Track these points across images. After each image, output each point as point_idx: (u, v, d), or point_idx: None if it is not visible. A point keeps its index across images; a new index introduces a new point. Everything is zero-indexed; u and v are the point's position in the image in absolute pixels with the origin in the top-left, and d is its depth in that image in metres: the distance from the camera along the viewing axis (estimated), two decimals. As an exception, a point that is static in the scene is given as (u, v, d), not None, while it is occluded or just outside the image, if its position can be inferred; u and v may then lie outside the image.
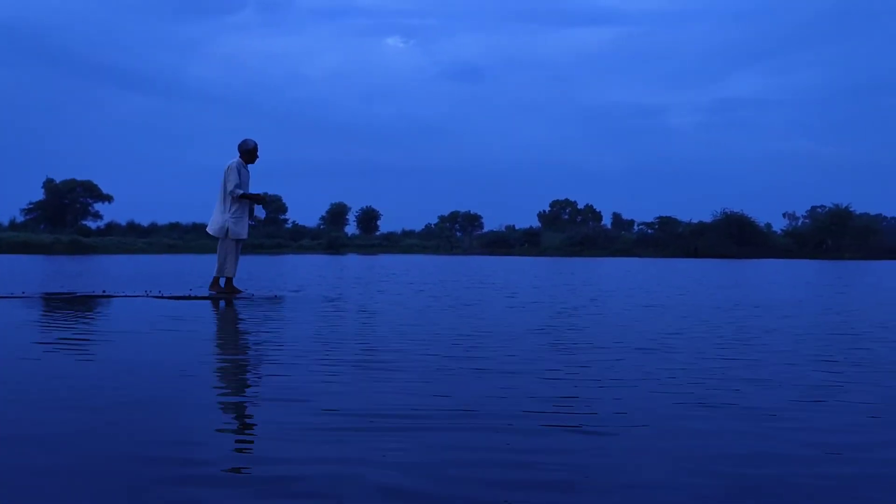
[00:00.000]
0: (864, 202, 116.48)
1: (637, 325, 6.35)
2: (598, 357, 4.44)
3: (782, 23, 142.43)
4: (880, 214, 74.86)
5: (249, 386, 3.64)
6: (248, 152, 9.05)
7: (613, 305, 8.53)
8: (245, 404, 3.17)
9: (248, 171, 9.11)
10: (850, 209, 56.79)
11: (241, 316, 7.01)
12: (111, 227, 63.77)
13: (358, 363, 4.12)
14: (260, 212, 9.23)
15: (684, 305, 8.57)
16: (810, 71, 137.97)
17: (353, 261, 31.52)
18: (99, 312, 7.20)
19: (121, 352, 4.56)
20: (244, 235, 9.05)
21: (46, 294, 9.04)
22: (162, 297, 8.65)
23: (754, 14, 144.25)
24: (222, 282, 9.11)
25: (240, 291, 9.02)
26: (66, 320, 6.35)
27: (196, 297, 8.71)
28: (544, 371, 3.89)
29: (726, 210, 57.71)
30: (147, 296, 8.80)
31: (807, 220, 68.43)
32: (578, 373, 3.87)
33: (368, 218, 78.96)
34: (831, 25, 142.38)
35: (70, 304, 7.80)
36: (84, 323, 6.22)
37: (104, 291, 9.24)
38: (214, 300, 8.56)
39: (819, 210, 64.55)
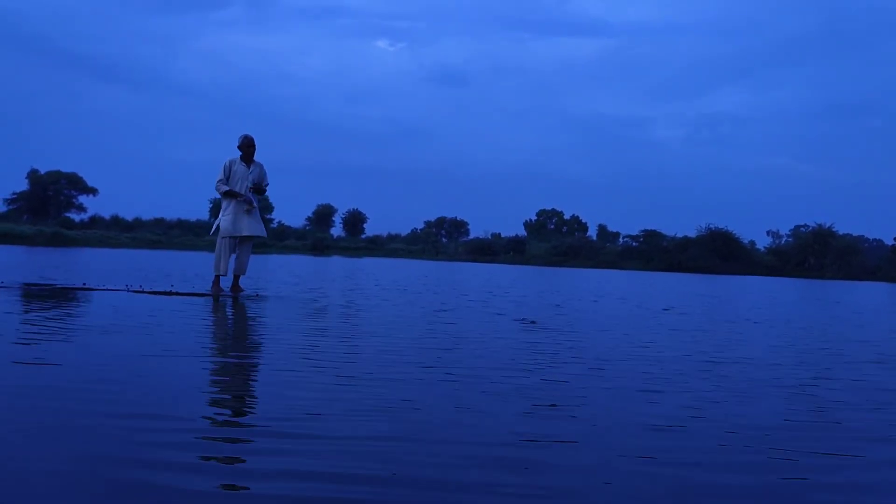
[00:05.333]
0: (847, 223, 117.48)
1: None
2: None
3: (767, 40, 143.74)
4: (862, 236, 75.76)
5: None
6: (240, 147, 8.98)
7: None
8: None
9: (246, 166, 8.93)
10: (833, 229, 57.44)
11: (215, 315, 6.98)
12: (95, 221, 63.24)
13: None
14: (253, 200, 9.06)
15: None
16: (794, 89, 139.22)
17: (336, 263, 31.43)
18: (75, 305, 7.15)
19: (82, 345, 4.54)
20: (234, 231, 8.86)
21: (25, 285, 8.97)
22: (142, 292, 8.60)
23: (740, 30, 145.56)
24: (225, 281, 9.07)
25: (222, 290, 8.94)
26: (39, 311, 6.29)
27: (177, 294, 8.66)
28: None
29: (710, 225, 58.07)
30: (128, 290, 8.75)
31: (790, 239, 69.01)
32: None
33: (354, 220, 78.80)
34: (816, 45, 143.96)
35: (48, 296, 7.73)
36: (57, 315, 6.17)
37: (84, 284, 9.17)
38: (214, 298, 8.47)
39: (802, 229, 65.04)
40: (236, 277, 9.04)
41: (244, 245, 9.09)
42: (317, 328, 6.20)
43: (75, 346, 4.45)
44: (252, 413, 2.98)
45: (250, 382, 3.69)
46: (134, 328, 5.41)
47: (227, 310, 7.42)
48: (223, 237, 8.89)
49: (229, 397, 3.25)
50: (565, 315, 8.45)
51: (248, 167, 8.96)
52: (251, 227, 8.98)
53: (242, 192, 8.92)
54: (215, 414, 2.90)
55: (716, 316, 9.68)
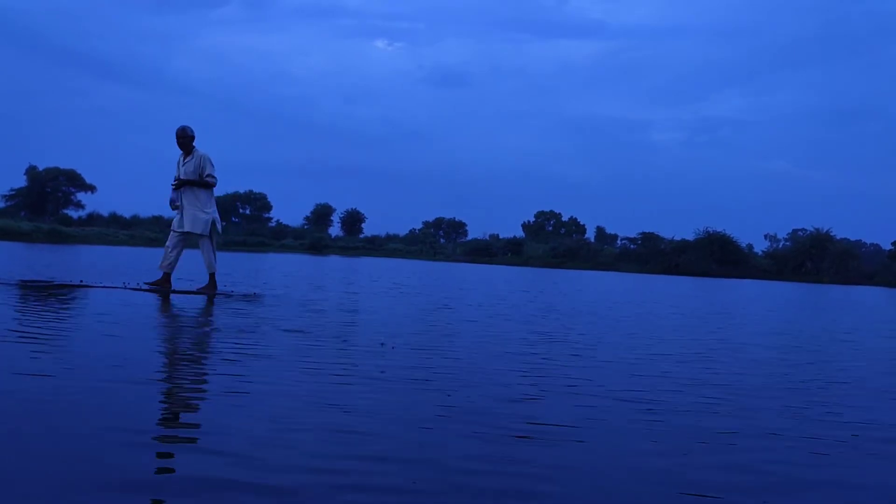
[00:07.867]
0: (844, 227, 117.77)
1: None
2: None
3: (766, 44, 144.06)
4: (860, 240, 75.83)
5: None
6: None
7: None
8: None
9: (183, 160, 8.86)
10: (831, 234, 57.44)
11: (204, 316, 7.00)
12: (93, 218, 63.00)
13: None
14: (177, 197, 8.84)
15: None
16: (793, 93, 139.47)
17: (334, 263, 31.41)
18: (71, 302, 7.16)
19: (77, 343, 4.55)
20: (177, 228, 8.84)
21: (22, 282, 8.97)
22: (140, 290, 8.61)
23: (739, 34, 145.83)
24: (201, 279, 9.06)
25: (168, 286, 8.89)
26: (36, 309, 6.31)
27: (175, 291, 8.68)
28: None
29: (708, 229, 58.04)
30: (125, 287, 8.75)
31: (787, 243, 69.16)
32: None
33: (353, 220, 78.67)
34: (815, 49, 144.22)
35: (45, 293, 7.74)
36: (53, 312, 6.19)
37: (81, 281, 9.18)
38: (208, 298, 8.44)
39: (800, 233, 65.12)
40: (210, 276, 8.94)
41: (201, 242, 8.89)
42: (302, 335, 6.21)
43: (30, 354, 4.38)
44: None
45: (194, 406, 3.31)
46: (113, 330, 5.42)
47: (212, 311, 7.43)
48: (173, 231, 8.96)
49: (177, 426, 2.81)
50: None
51: (184, 160, 8.87)
52: (186, 223, 8.79)
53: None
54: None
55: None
